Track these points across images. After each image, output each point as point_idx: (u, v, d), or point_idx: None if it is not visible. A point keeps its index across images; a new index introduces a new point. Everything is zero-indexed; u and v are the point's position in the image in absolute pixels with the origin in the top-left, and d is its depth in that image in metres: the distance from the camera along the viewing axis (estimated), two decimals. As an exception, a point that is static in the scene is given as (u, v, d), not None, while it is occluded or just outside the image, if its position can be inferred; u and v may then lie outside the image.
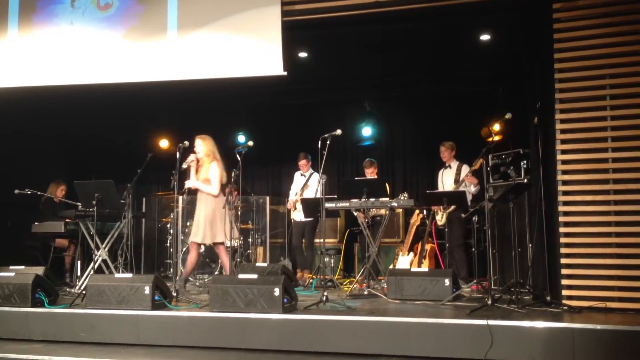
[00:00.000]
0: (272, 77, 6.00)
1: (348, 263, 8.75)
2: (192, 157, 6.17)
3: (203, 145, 6.21)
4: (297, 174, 8.12)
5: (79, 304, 5.33)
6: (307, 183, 7.84)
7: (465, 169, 7.02)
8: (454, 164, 7.21)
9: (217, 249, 6.24)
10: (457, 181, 7.04)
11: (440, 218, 6.98)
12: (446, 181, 7.22)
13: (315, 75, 8.10)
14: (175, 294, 5.51)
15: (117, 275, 5.50)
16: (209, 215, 6.07)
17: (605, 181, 5.02)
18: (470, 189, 6.95)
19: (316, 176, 7.48)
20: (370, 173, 7.64)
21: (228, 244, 6.17)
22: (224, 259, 6.20)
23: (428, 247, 7.09)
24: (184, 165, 6.05)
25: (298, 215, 7.79)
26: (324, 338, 4.51)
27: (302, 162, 7.96)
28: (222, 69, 6.12)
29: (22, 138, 7.97)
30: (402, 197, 6.65)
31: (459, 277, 6.15)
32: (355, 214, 7.01)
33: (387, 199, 6.54)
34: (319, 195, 6.70)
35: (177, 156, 5.95)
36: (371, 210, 7.17)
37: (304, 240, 7.85)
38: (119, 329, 4.91)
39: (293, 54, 6.75)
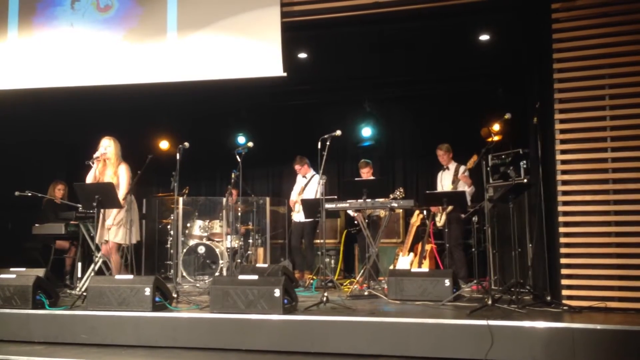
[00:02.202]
0: (271, 78, 6.01)
1: (348, 264, 8.75)
2: (100, 151, 6.13)
3: (112, 146, 6.20)
4: (299, 176, 8.13)
5: (79, 305, 5.33)
6: (306, 185, 7.85)
7: (462, 170, 7.03)
8: (452, 166, 7.21)
9: (110, 247, 6.15)
10: (453, 181, 7.05)
11: (439, 219, 6.99)
12: (445, 183, 7.22)
13: (315, 76, 8.11)
14: (175, 296, 5.51)
15: (117, 276, 5.49)
16: (119, 216, 6.06)
17: (605, 181, 5.02)
18: (465, 188, 6.95)
19: (317, 177, 7.48)
20: (366, 173, 7.63)
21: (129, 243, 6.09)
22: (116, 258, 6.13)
23: (428, 247, 7.10)
24: (91, 161, 6.03)
25: (298, 216, 7.79)
26: (324, 339, 4.50)
27: (297, 167, 7.98)
28: (222, 70, 6.13)
29: (23, 140, 7.98)
30: (398, 193, 6.65)
31: (458, 277, 6.15)
32: (352, 214, 6.98)
33: (387, 199, 6.54)
34: (319, 195, 6.70)
35: (177, 157, 5.95)
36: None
37: (302, 241, 7.85)
38: (119, 330, 4.91)
39: (293, 54, 6.76)
